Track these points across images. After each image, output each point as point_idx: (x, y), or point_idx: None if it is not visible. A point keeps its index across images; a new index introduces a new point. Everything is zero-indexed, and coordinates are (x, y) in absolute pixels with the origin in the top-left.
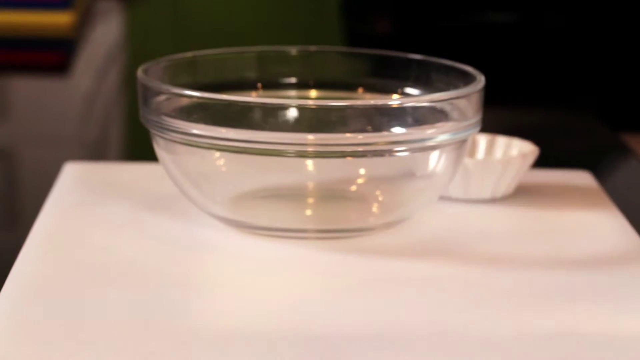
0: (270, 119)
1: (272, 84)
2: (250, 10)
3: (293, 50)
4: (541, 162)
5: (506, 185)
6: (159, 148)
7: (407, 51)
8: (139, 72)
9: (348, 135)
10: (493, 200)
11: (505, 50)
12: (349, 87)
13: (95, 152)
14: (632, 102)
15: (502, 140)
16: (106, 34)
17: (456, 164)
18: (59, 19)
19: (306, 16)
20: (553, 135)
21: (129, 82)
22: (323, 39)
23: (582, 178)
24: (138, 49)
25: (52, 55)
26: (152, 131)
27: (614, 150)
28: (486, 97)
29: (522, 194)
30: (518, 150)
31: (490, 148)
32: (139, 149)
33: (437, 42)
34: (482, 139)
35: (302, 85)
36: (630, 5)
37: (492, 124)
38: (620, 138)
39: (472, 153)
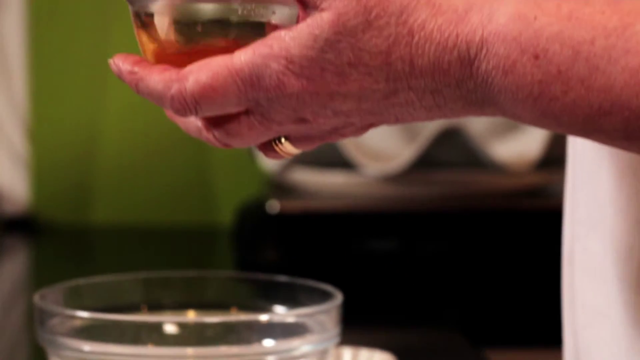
0: (153, 335)
1: (157, 305)
2: (149, 234)
3: (175, 276)
4: None
5: None
6: None
7: (292, 274)
8: (35, 297)
9: (223, 348)
10: None
11: (379, 273)
12: (225, 306)
13: None
14: (494, 319)
15: (364, 353)
16: (12, 268)
17: None
18: None
19: (201, 242)
20: (420, 352)
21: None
22: (215, 263)
23: None
24: (43, 279)
25: None
26: (48, 349)
27: None
28: (355, 315)
29: None
30: None
31: None
32: None
33: (320, 266)
34: (347, 352)
35: (183, 305)
36: (489, 231)
37: (358, 340)
38: (482, 353)
39: None
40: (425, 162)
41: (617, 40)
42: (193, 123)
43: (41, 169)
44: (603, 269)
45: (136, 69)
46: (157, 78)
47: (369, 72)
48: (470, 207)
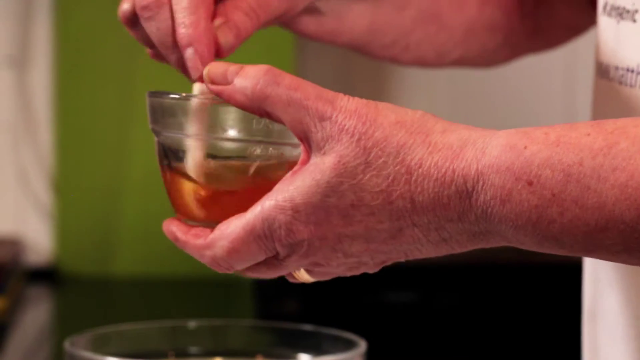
0: None
1: (183, 353)
2: (172, 284)
3: (201, 324)
4: None
5: None
6: None
7: (314, 323)
8: (67, 344)
9: None
10: None
11: (398, 325)
12: (250, 354)
13: None
14: None
15: None
16: (36, 318)
17: None
18: None
19: (221, 293)
20: None
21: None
22: (236, 313)
23: None
24: (67, 329)
25: None
26: None
27: None
28: None
29: None
30: None
31: None
32: None
33: (340, 317)
34: None
35: (209, 353)
36: (508, 284)
37: None
38: None
39: None
40: None
41: (604, 159)
42: None
43: (65, 220)
44: (623, 327)
45: (177, 236)
46: (191, 245)
47: (372, 212)
48: (490, 261)
